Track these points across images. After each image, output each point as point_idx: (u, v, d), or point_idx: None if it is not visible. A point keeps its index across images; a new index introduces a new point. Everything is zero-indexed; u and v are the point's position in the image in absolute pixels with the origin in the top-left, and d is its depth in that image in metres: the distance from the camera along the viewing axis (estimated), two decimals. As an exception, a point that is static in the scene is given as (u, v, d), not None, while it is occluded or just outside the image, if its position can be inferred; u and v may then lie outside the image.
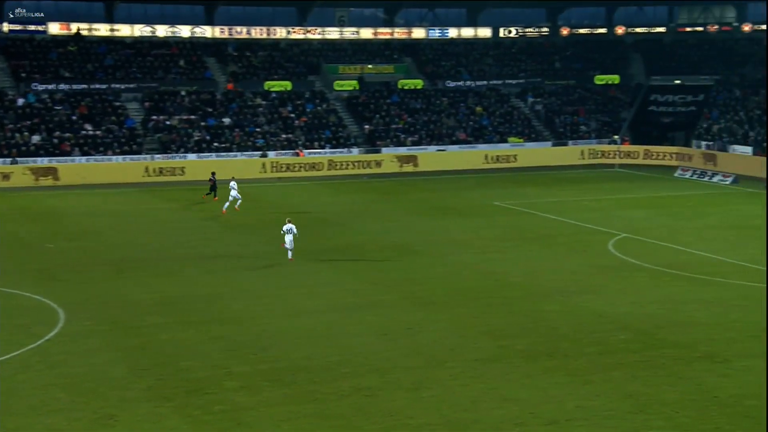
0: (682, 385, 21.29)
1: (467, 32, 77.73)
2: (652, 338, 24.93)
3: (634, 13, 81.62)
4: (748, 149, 60.34)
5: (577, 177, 60.96)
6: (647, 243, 38.36)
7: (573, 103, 73.33)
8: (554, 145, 68.12)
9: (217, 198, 48.04)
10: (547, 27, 79.27)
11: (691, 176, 59.56)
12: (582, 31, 79.82)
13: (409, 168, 63.12)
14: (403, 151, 64.50)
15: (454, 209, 47.04)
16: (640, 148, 66.84)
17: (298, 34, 72.84)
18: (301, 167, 61.18)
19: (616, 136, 68.41)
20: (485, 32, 77.88)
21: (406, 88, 71.61)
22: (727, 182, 56.48)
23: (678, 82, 72.54)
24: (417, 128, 67.52)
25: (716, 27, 78.42)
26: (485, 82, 73.62)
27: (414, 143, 65.83)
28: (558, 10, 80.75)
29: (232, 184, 46.10)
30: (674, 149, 66.03)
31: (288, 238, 34.35)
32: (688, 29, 79.50)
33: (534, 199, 50.67)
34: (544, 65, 76.40)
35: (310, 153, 62.44)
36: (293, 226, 34.57)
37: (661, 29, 79.65)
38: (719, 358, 23.14)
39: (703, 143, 64.39)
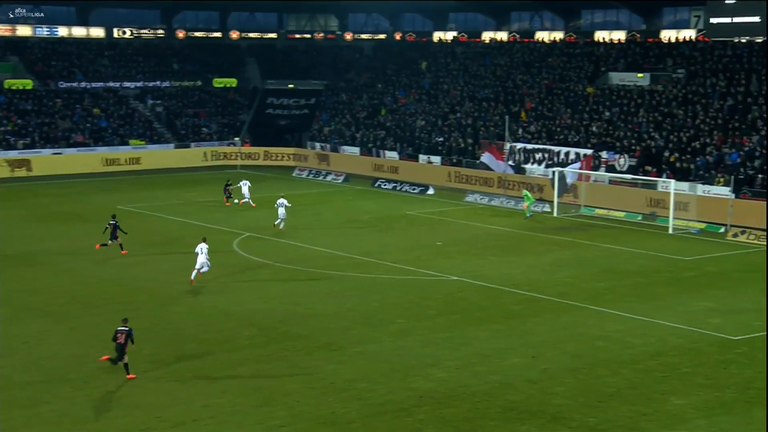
0: (303, 375, 22.30)
1: (78, 31, 74.16)
2: (276, 332, 25.79)
3: (246, 18, 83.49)
4: (356, 149, 64.67)
5: (201, 178, 60.99)
6: (270, 241, 39.54)
7: (193, 105, 73.28)
8: (177, 147, 67.54)
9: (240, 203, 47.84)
10: (162, 29, 78.27)
11: (308, 176, 62.39)
12: (198, 34, 79.97)
13: (21, 173, 58.86)
14: (14, 154, 59.95)
15: (75, 215, 44.77)
16: (260, 150, 68.61)
17: None
18: None
19: (237, 138, 69.50)
20: (98, 32, 74.85)
21: (14, 88, 66.61)
22: (339, 181, 60.04)
23: (291, 86, 75.57)
24: (29, 131, 63.14)
25: (322, 35, 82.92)
26: (101, 84, 70.86)
27: (26, 146, 61.48)
28: (173, 12, 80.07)
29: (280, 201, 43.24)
30: (291, 150, 68.71)
31: (281, 210, 40.13)
32: (298, 36, 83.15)
33: (160, 202, 49.85)
34: (162, 67, 75.39)
35: None
36: (285, 200, 40.94)
37: (273, 35, 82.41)
38: (335, 346, 24.58)
39: (317, 144, 67.78)
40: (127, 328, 22.05)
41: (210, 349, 24.23)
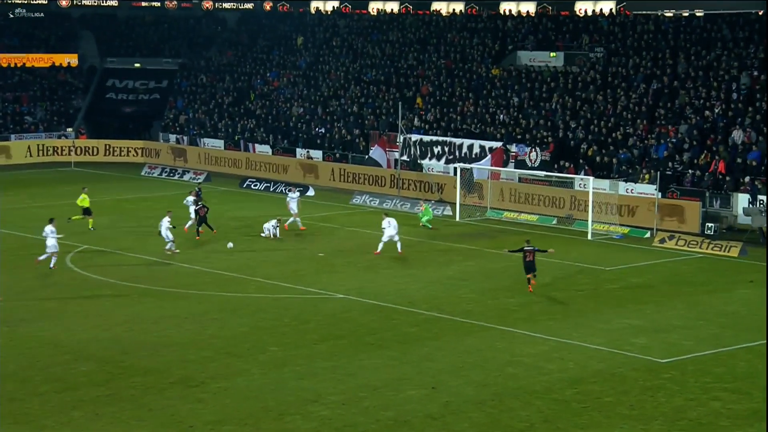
0: (154, 418, 21.94)
1: None
2: (119, 367, 25.32)
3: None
4: (220, 143, 64.08)
5: (24, 179, 59.48)
6: (113, 254, 38.84)
7: (13, 88, 71.21)
8: (-6, 140, 65.61)
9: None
10: (-32, -7, 75.81)
11: (160, 174, 61.50)
12: (16, 0, 77.65)
13: None
14: None
15: None
16: (100, 143, 67.25)
17: None
18: None
19: (70, 129, 67.94)
20: None
21: None
22: (199, 180, 59.30)
23: (138, 65, 74.34)
24: None
25: (175, 3, 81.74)
26: None
27: None
28: (-19, -28, 77.59)
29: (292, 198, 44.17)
30: (140, 144, 67.59)
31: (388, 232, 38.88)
32: (144, 4, 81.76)
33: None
34: (-29, 41, 73.09)
35: None
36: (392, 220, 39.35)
37: (113, 3, 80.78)
38: (194, 382, 24.27)
39: (171, 136, 66.83)
40: (532, 247, 32.49)
41: (35, 389, 23.58)
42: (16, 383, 23.98)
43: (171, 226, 38.44)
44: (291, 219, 43.88)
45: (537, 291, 33.69)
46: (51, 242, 35.52)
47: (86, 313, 30.33)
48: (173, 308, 31.06)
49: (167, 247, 38.34)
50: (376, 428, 21.54)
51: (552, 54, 59.80)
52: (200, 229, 41.58)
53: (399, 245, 38.69)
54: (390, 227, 38.64)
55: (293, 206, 44.17)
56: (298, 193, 45.92)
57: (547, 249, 34.31)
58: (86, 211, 43.63)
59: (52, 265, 35.56)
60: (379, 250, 38.80)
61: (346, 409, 22.58)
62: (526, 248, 32.74)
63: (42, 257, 35.64)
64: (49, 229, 35.71)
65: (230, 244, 38.45)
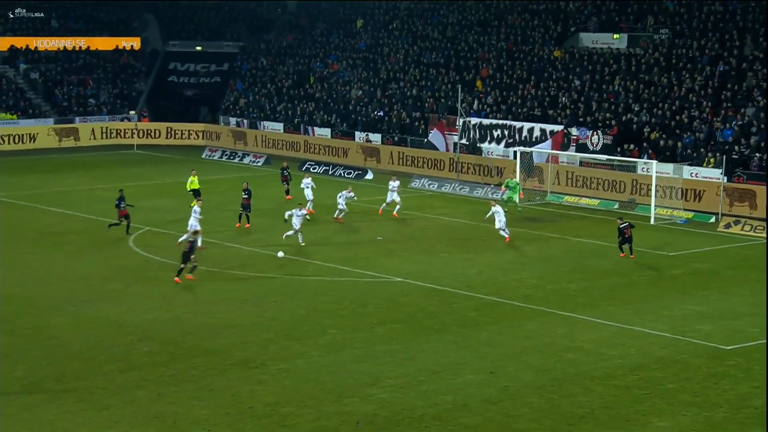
0: (215, 399, 22.22)
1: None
2: (181, 347, 25.66)
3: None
4: (279, 126, 64.46)
5: (88, 161, 60.31)
6: (175, 236, 39.16)
7: (78, 70, 72.23)
8: (57, 122, 66.58)
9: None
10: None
11: (220, 157, 62.10)
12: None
13: None
14: None
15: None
16: (162, 126, 68.01)
17: None
18: None
19: (132, 112, 68.75)
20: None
21: None
22: (259, 163, 59.81)
23: (199, 48, 74.98)
24: None
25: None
26: (-42, 44, 69.67)
27: None
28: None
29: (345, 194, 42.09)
30: (200, 126, 68.25)
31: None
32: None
33: (35, 190, 49.15)
34: (37, 23, 74.09)
35: None
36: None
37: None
38: (254, 363, 24.54)
39: (232, 119, 67.39)
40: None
41: (99, 368, 23.97)
42: (81, 362, 24.43)
43: (307, 217, 38.54)
44: (398, 207, 43.40)
45: (597, 276, 33.54)
46: (191, 222, 36.12)
47: (149, 295, 30.73)
48: (233, 290, 31.37)
49: (288, 233, 37.44)
50: (435, 412, 21.62)
51: (615, 36, 59.09)
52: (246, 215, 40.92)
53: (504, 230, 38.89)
54: (501, 214, 38.67)
55: (395, 195, 43.43)
56: (398, 182, 44.52)
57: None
58: (196, 193, 43.72)
59: (199, 245, 34.48)
60: (508, 236, 38.56)
61: (405, 393, 22.68)
62: (621, 225, 35.54)
63: (182, 238, 34.91)
64: (194, 209, 36.64)
65: (280, 254, 35.99)
